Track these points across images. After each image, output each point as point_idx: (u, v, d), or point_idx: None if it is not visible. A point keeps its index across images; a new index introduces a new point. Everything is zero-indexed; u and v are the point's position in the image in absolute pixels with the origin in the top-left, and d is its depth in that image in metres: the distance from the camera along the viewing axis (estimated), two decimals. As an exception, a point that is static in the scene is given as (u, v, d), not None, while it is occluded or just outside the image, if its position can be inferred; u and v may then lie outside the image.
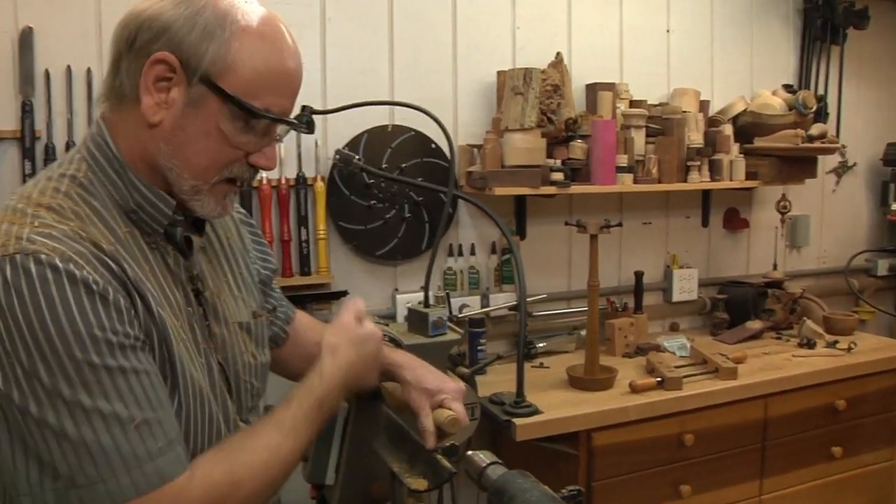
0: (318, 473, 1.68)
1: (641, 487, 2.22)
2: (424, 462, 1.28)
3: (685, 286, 3.04)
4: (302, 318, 1.49)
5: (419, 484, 1.25)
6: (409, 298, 2.42)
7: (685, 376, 2.30)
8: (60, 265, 0.86)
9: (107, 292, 0.89)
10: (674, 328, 3.07)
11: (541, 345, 2.66)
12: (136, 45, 0.96)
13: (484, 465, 1.13)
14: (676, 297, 3.03)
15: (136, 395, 0.90)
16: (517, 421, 2.01)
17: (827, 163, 3.38)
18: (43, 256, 0.86)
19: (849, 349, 2.70)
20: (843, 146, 3.40)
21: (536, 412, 2.06)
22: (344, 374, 1.18)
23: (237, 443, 1.04)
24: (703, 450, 2.31)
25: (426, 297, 2.05)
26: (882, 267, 3.50)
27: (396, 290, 2.59)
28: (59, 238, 0.89)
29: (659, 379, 2.26)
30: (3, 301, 0.84)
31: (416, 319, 1.88)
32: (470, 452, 1.18)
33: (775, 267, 3.13)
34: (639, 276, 2.86)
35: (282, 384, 1.35)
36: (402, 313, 2.47)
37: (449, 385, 1.29)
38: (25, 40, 2.07)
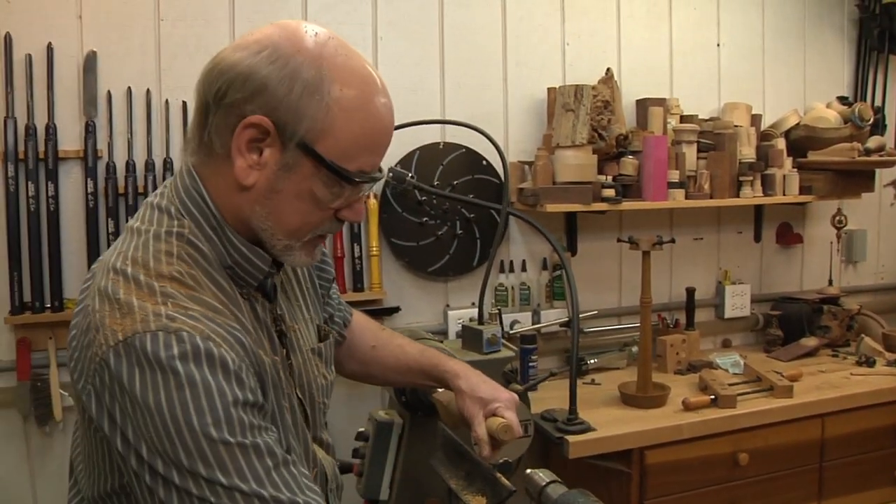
0: (373, 489, 1.71)
1: (695, 507, 2.20)
2: (482, 479, 1.29)
3: (737, 302, 3.00)
4: (358, 320, 1.50)
5: (478, 502, 1.26)
6: (461, 314, 2.44)
7: (739, 394, 2.28)
8: (201, 344, 0.87)
9: (240, 370, 0.90)
10: (726, 345, 3.03)
11: (592, 361, 2.66)
12: (226, 100, 0.93)
13: (544, 483, 1.14)
14: (729, 314, 2.99)
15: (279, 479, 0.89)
16: (570, 438, 2.01)
17: (884, 176, 3.31)
18: (185, 334, 0.86)
19: (910, 368, 2.64)
20: (902, 159, 3.32)
21: (589, 429, 2.05)
22: None
23: None
24: (758, 469, 2.27)
25: (480, 313, 2.08)
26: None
27: (448, 305, 2.61)
28: (196, 317, 0.89)
29: (712, 397, 2.24)
30: (147, 376, 0.85)
31: (471, 336, 1.90)
32: (529, 471, 1.19)
33: (830, 283, 3.08)
34: (690, 292, 2.83)
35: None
36: (453, 329, 2.49)
37: (503, 394, 1.29)
38: (89, 63, 2.15)
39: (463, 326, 1.96)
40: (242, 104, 0.92)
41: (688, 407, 2.20)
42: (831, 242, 3.11)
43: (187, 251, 0.96)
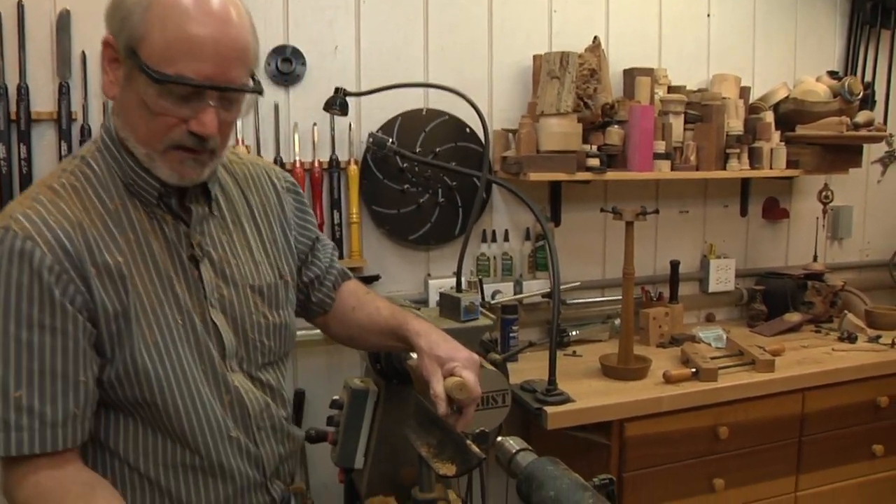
0: (347, 457, 1.67)
1: (673, 480, 2.18)
2: (453, 447, 1.26)
3: (722, 276, 2.98)
4: (348, 284, 1.51)
5: (447, 469, 1.23)
6: (442, 284, 2.40)
7: (721, 368, 2.25)
8: (18, 243, 1.02)
9: (50, 270, 1.02)
10: (709, 319, 3.01)
11: (574, 333, 2.63)
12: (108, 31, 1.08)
13: (514, 451, 1.10)
14: (713, 288, 2.97)
15: (32, 372, 1.02)
16: (549, 409, 1.98)
17: (872, 152, 3.28)
18: (11, 232, 1.02)
19: (892, 344, 2.62)
20: (891, 135, 3.29)
21: (568, 400, 2.03)
22: None
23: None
24: (739, 443, 2.26)
25: (458, 282, 2.04)
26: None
27: (429, 275, 2.57)
28: (35, 222, 1.04)
29: (694, 370, 2.22)
30: None
31: (449, 304, 1.86)
32: (500, 439, 1.15)
33: (815, 258, 3.06)
34: (675, 265, 2.80)
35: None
36: (434, 298, 2.46)
37: (461, 353, 1.27)
38: (62, 23, 2.08)
39: (441, 294, 1.92)
40: (108, 30, 1.07)
41: (669, 380, 2.18)
42: (817, 218, 3.09)
43: (81, 169, 1.12)
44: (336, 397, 1.73)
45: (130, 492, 1.15)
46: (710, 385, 2.19)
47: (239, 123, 2.26)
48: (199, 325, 1.16)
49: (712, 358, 2.32)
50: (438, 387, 1.22)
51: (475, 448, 1.19)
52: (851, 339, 2.68)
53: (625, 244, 2.28)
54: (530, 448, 1.11)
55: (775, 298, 2.92)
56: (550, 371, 2.02)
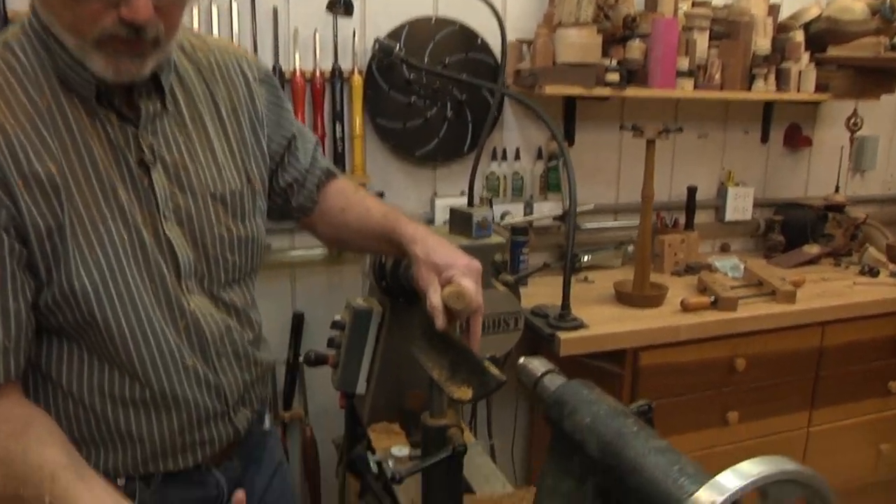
0: (349, 381, 1.57)
1: (687, 411, 2.10)
2: (468, 369, 1.14)
3: (739, 205, 2.85)
4: (337, 182, 1.35)
5: (462, 393, 1.11)
6: (449, 203, 2.26)
7: (741, 297, 2.15)
8: None
9: None
10: (724, 249, 2.90)
11: (585, 258, 2.52)
12: None
13: (539, 373, 0.99)
14: (730, 217, 2.85)
15: None
16: (562, 335, 1.88)
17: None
18: None
19: (915, 278, 2.52)
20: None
21: (582, 326, 1.92)
22: None
23: (31, 441, 0.90)
24: (755, 376, 2.17)
25: (470, 196, 1.90)
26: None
27: (435, 194, 2.44)
28: None
29: (712, 298, 2.11)
30: None
31: (459, 220, 1.73)
32: (522, 359, 1.04)
33: (837, 189, 2.93)
34: (692, 191, 2.68)
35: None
36: (440, 218, 2.34)
37: (460, 260, 1.12)
38: None
39: (451, 209, 1.79)
40: None
41: (686, 308, 2.07)
42: (842, 147, 2.94)
43: (3, 57, 0.95)
44: (337, 317, 1.61)
45: (76, 425, 1.03)
46: (729, 315, 2.08)
47: (235, 27, 2.09)
48: (150, 240, 1.01)
49: (731, 287, 2.21)
50: (435, 297, 1.09)
51: (494, 369, 1.08)
52: (873, 273, 2.58)
53: (645, 165, 2.15)
54: (557, 370, 1.00)
55: (794, 230, 2.80)
56: (564, 295, 1.91)
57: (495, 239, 1.71)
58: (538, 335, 1.93)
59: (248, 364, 1.17)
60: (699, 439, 2.14)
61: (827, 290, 2.38)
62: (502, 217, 2.39)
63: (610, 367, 1.98)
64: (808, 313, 2.20)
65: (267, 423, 1.36)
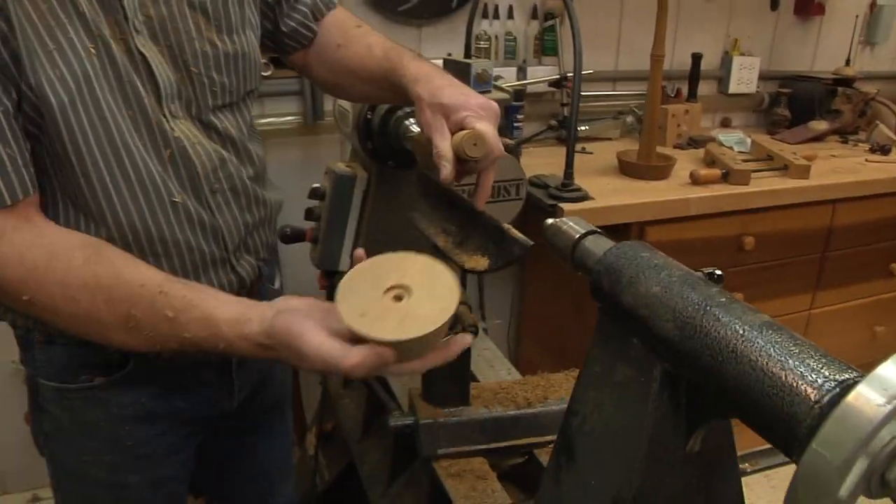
0: (330, 258, 1.38)
1: (689, 292, 1.96)
2: (482, 233, 0.95)
3: (744, 76, 2.65)
4: (336, 14, 1.13)
5: (476, 262, 0.93)
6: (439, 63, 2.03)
7: (754, 171, 1.98)
8: None
9: None
10: (725, 124, 2.71)
11: (582, 128, 2.31)
12: None
13: (578, 234, 0.81)
14: (733, 89, 2.65)
15: None
16: (565, 206, 1.70)
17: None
18: None
19: (928, 157, 2.37)
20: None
21: (587, 198, 1.74)
22: (254, 352, 0.79)
23: (105, 265, 0.80)
24: (762, 256, 2.03)
25: (468, 46, 1.67)
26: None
27: (419, 55, 2.19)
28: None
29: (724, 171, 1.94)
30: None
31: (455, 72, 1.50)
32: (552, 221, 0.85)
33: (848, 62, 2.73)
34: (696, 58, 2.46)
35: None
36: (427, 79, 2.09)
37: (474, 99, 0.91)
38: None
39: (445, 60, 1.57)
40: None
41: (696, 180, 1.90)
42: (857, 17, 2.72)
43: None
44: (316, 185, 1.41)
45: None
46: (741, 189, 1.92)
47: None
48: (122, 57, 0.83)
49: (742, 161, 2.03)
50: (443, 144, 0.89)
51: (517, 233, 0.90)
52: (884, 150, 2.42)
53: (657, 21, 1.92)
54: (599, 230, 0.82)
55: (800, 104, 2.62)
56: (567, 163, 1.72)
57: (497, 94, 1.50)
58: (537, 207, 1.74)
59: (248, 203, 0.99)
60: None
61: (838, 166, 2.23)
62: (494, 81, 2.16)
63: (613, 243, 1.81)
64: (821, 189, 2.05)
65: (277, 283, 1.21)
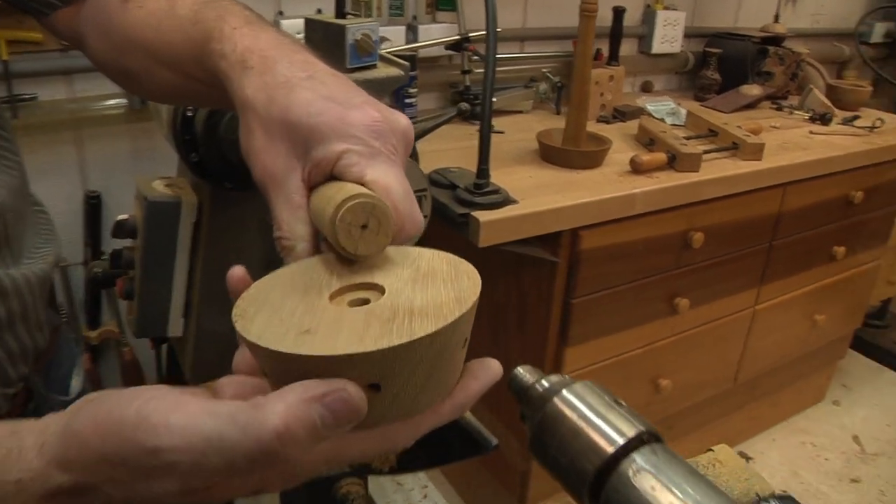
0: (154, 320, 0.93)
1: (630, 304, 1.61)
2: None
3: (668, 34, 2.30)
4: None
5: None
6: (299, 26, 1.55)
7: (705, 152, 1.63)
8: None
9: None
10: (646, 89, 2.37)
11: (489, 102, 1.90)
12: None
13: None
14: (656, 48, 2.30)
15: None
16: (480, 216, 1.28)
17: None
18: None
19: (873, 127, 2.10)
20: None
21: (508, 201, 1.33)
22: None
23: None
24: (709, 252, 1.70)
25: (339, 9, 1.21)
26: (878, 33, 2.88)
27: (280, 13, 1.71)
28: None
29: (670, 155, 1.57)
30: None
31: (324, 36, 1.05)
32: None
33: (777, 19, 2.42)
34: (619, 13, 2.09)
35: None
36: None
37: (358, 115, 0.45)
38: None
39: (307, 21, 1.11)
40: None
41: (638, 168, 1.52)
42: (785, -36, 2.42)
43: None
44: (123, 217, 0.94)
45: None
46: (691, 177, 1.56)
47: None
48: None
49: (685, 140, 1.68)
50: (291, 219, 0.45)
51: None
52: (825, 119, 2.13)
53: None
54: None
55: (729, 66, 2.30)
56: (482, 156, 1.30)
57: (387, 71, 1.06)
58: (443, 215, 1.32)
59: None
60: (643, 335, 1.68)
61: (786, 141, 1.91)
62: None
63: (540, 254, 1.42)
64: (776, 173, 1.73)
65: (75, 386, 0.75)
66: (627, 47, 2.30)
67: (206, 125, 0.81)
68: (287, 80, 0.46)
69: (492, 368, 0.38)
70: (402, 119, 0.46)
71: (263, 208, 0.67)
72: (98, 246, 1.60)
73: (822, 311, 2.19)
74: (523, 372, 0.39)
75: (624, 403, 0.35)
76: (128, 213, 0.97)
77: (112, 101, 1.56)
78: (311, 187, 0.44)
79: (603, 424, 0.34)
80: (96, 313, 1.66)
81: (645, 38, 2.31)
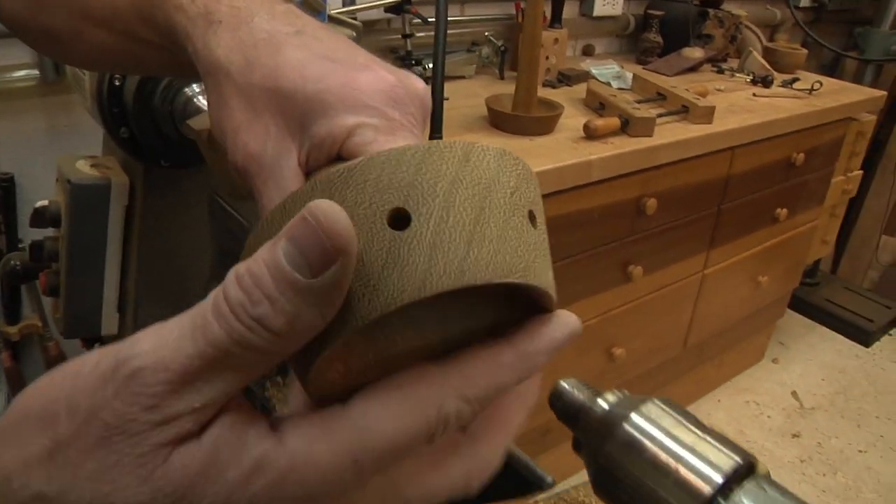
0: (84, 318, 0.83)
1: (585, 273, 1.57)
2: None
3: (609, -4, 2.25)
4: None
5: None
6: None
7: (659, 115, 1.59)
8: None
9: None
10: (588, 52, 2.32)
11: (428, 66, 1.82)
12: None
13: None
14: (598, 11, 2.25)
15: None
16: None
17: None
18: None
19: (811, 90, 2.10)
20: None
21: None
22: None
23: None
24: (662, 218, 1.67)
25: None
26: (808, -6, 2.90)
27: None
28: None
29: (624, 119, 1.53)
30: None
31: None
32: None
33: (713, -22, 2.40)
34: (557, -27, 2.02)
35: None
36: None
37: (365, 78, 0.35)
38: None
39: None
40: None
41: (592, 134, 1.47)
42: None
43: None
44: (42, 204, 0.83)
45: None
46: (645, 142, 1.52)
47: None
48: None
49: (636, 104, 1.64)
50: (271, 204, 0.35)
51: None
52: (766, 82, 2.12)
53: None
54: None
55: (670, 28, 2.27)
56: (434, 125, 1.23)
57: (339, 31, 0.97)
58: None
59: None
60: (598, 304, 1.64)
61: (732, 104, 1.90)
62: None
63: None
64: (726, 136, 1.70)
65: None
66: (568, 9, 2.23)
67: (138, 95, 0.71)
68: (270, 37, 0.37)
69: (562, 317, 0.29)
70: (418, 83, 0.37)
71: (213, 186, 0.59)
72: (14, 235, 1.47)
73: (765, 273, 2.20)
74: (570, 388, 0.32)
75: (706, 425, 0.29)
76: (47, 198, 0.87)
77: (21, 73, 1.42)
78: (310, 172, 0.35)
79: (691, 458, 0.27)
80: (16, 307, 1.53)
81: (586, 1, 2.25)
